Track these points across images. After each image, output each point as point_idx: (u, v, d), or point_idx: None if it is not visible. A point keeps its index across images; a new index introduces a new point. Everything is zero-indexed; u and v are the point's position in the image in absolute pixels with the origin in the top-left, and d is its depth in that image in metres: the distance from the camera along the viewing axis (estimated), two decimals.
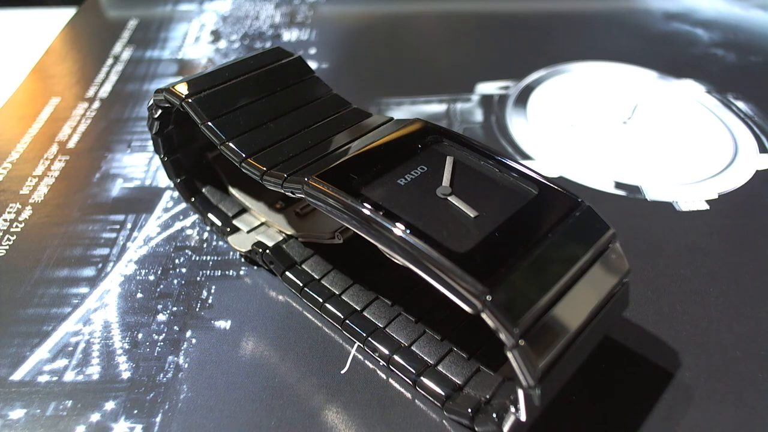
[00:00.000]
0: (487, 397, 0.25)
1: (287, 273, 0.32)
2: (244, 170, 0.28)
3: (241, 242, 0.34)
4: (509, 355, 0.21)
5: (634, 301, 0.31)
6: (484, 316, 0.21)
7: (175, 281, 0.33)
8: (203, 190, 0.36)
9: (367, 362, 0.29)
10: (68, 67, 0.54)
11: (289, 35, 0.60)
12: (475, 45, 0.58)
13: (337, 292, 0.31)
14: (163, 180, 0.41)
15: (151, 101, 0.31)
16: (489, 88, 0.50)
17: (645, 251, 0.35)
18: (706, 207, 0.38)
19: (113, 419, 0.27)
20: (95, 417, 0.27)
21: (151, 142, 0.40)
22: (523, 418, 0.22)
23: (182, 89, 0.30)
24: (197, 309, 0.32)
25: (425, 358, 0.28)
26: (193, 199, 0.36)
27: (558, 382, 0.23)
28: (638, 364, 0.29)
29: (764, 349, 0.29)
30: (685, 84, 0.50)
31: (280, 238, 0.33)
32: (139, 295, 0.33)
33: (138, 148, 0.44)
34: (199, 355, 0.29)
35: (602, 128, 0.45)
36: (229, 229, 0.35)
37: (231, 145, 0.28)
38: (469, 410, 0.25)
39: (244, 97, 0.30)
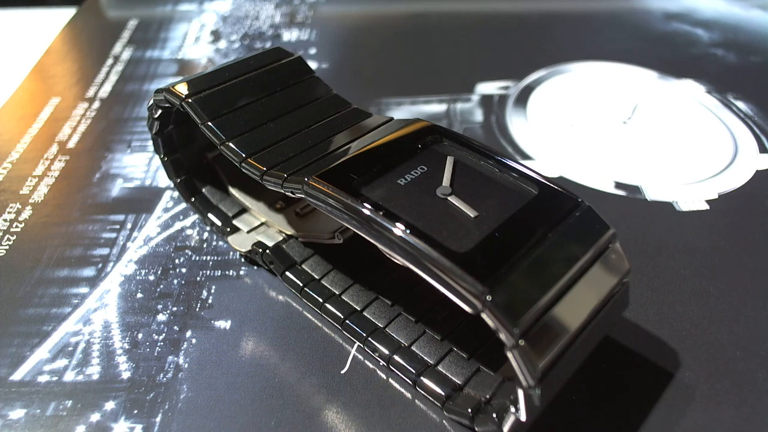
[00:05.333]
0: (487, 397, 0.25)
1: (287, 273, 0.32)
2: (244, 170, 0.28)
3: (241, 242, 0.34)
4: (509, 355, 0.21)
5: (634, 301, 0.31)
6: (484, 316, 0.21)
7: (175, 281, 0.33)
8: (203, 190, 0.36)
9: (367, 362, 0.29)
10: (68, 67, 0.54)
11: (289, 35, 0.60)
12: (475, 45, 0.58)
13: (337, 292, 0.31)
14: (163, 180, 0.41)
15: (151, 101, 0.31)
16: (489, 88, 0.50)
17: (645, 251, 0.35)
18: (706, 207, 0.38)
19: (113, 419, 0.27)
20: (95, 417, 0.27)
21: (151, 142, 0.40)
22: (523, 418, 0.22)
23: (182, 89, 0.30)
24: (197, 309, 0.32)
25: (425, 358, 0.28)
26: (193, 199, 0.36)
27: (558, 382, 0.23)
28: (638, 364, 0.29)
29: (764, 349, 0.29)
30: (685, 84, 0.50)
31: (280, 238, 0.33)
32: (139, 295, 0.33)
33: (138, 148, 0.44)
34: (199, 355, 0.29)
35: (602, 128, 0.45)
36: (229, 229, 0.35)
37: (231, 145, 0.28)
38: (469, 410, 0.25)
39: (244, 97, 0.30)
